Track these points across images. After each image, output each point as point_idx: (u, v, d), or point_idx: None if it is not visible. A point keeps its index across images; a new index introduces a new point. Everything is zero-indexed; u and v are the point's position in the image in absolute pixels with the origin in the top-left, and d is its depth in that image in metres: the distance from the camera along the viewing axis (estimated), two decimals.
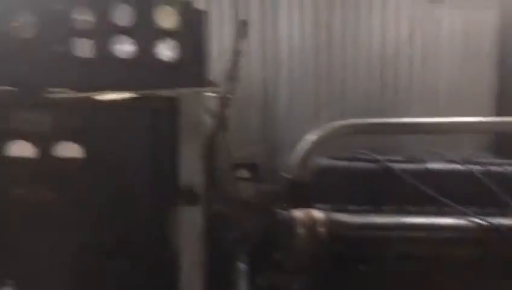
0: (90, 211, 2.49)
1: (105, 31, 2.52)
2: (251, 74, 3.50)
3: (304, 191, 2.61)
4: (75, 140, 2.48)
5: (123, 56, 2.56)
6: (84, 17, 2.50)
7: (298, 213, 2.42)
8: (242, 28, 2.90)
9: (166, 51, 2.59)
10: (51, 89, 2.43)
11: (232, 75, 2.89)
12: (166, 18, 2.57)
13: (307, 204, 2.54)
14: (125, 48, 2.56)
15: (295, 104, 3.59)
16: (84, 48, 2.55)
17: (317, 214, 2.39)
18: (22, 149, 2.42)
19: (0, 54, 2.41)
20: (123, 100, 2.49)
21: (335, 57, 3.58)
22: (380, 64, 3.62)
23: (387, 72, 3.64)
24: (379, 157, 2.62)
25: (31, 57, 2.46)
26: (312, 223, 2.35)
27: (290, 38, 3.56)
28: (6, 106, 2.43)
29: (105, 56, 2.54)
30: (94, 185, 2.51)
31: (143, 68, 2.58)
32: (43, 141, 2.44)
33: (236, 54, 2.90)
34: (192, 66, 2.64)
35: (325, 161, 2.71)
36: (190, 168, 2.55)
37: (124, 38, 2.54)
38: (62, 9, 2.43)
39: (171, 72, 2.60)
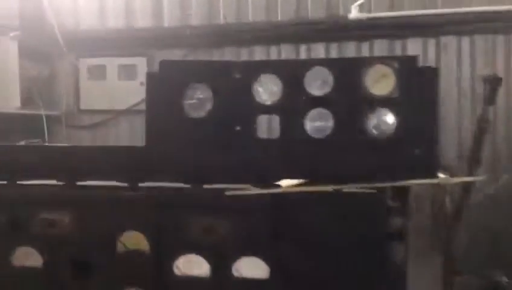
0: None
1: (296, 105, 1.88)
2: None
3: None
4: (260, 254, 1.80)
5: (319, 135, 1.87)
6: (269, 87, 1.91)
7: None
8: (492, 88, 1.98)
9: (380, 124, 1.82)
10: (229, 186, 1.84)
11: (476, 156, 1.95)
12: (380, 82, 1.82)
13: None
14: (322, 123, 1.87)
15: None
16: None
17: None
18: (195, 265, 1.83)
19: (165, 137, 1.93)
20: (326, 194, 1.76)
21: None
22: None
23: None
24: None
25: (207, 140, 1.92)
26: None
27: None
28: (181, 207, 1.89)
29: (296, 136, 1.88)
30: None
31: (348, 150, 1.83)
32: (218, 256, 1.82)
33: (483, 126, 1.96)
34: (417, 144, 1.80)
35: None
36: None
37: (322, 112, 1.86)
38: (241, 78, 1.87)
39: (386, 155, 1.80)
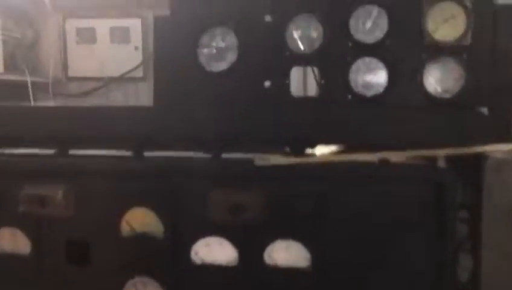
0: None
1: (340, 55, 1.51)
2: None
3: None
4: (298, 237, 1.45)
5: (368, 92, 1.50)
6: (307, 32, 1.53)
7: None
8: None
9: (444, 79, 1.46)
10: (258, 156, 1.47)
11: None
12: (446, 25, 1.45)
13: None
14: (372, 78, 1.50)
15: None
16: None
17: None
18: (218, 250, 1.47)
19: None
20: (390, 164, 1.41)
21: None
22: None
23: None
24: None
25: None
26: None
27: None
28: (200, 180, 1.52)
29: (339, 93, 1.51)
30: None
31: (403, 112, 1.47)
32: (247, 239, 1.46)
33: None
34: (489, 104, 1.45)
35: None
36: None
37: (372, 64, 1.49)
38: (272, 21, 1.48)
39: (452, 118, 1.45)
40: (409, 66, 1.47)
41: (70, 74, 4.74)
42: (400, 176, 1.44)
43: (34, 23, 4.49)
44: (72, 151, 1.67)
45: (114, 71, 4.67)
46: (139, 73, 4.61)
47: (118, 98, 4.72)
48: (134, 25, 4.52)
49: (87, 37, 4.60)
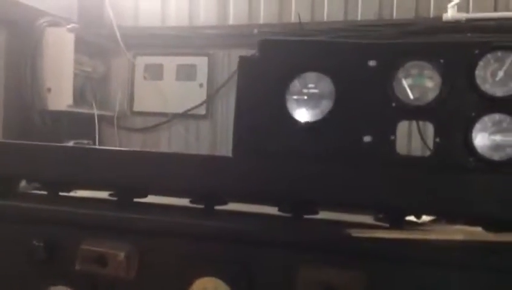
0: None
1: (462, 109, 1.23)
2: None
3: None
4: None
5: (496, 156, 1.20)
6: (420, 81, 1.27)
7: None
8: None
9: None
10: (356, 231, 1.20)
11: None
12: None
13: None
14: (504, 138, 1.21)
15: None
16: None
17: None
18: None
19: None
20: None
21: None
22: None
23: None
24: None
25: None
26: None
27: None
28: (281, 247, 1.26)
29: (457, 155, 1.22)
30: None
31: None
32: None
33: None
34: None
35: None
36: None
37: (503, 121, 1.20)
38: (378, 66, 1.23)
39: None
40: None
41: (136, 108, 4.72)
42: None
43: (105, 58, 4.53)
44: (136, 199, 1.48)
45: (178, 107, 4.60)
46: (202, 111, 4.51)
47: (179, 133, 4.63)
48: (201, 62, 4.45)
49: (155, 73, 4.58)
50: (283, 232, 1.26)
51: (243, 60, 1.39)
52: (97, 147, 1.47)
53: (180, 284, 1.23)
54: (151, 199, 1.52)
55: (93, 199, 1.51)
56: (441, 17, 3.53)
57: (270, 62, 1.35)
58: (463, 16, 3.45)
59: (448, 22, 3.50)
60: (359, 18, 3.86)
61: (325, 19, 3.94)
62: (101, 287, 1.28)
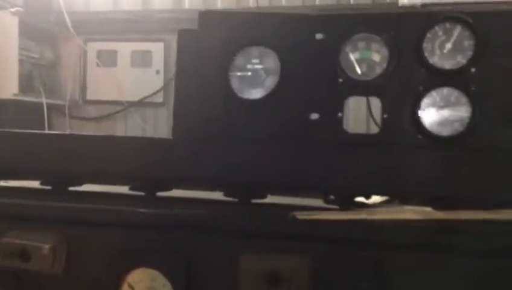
0: None
1: (409, 83, 1.17)
2: None
3: None
4: None
5: (445, 132, 1.15)
6: (367, 54, 1.20)
7: None
8: None
9: None
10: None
11: None
12: None
13: None
14: (452, 114, 1.16)
15: None
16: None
17: None
18: None
19: None
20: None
21: None
22: None
23: None
24: None
25: None
26: None
27: None
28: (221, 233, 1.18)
29: (406, 132, 1.17)
30: None
31: (495, 158, 1.12)
32: None
33: None
34: None
35: None
36: None
37: (451, 96, 1.15)
38: (324, 39, 1.15)
39: None
40: (502, 100, 1.12)
41: (89, 96, 4.51)
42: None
43: (54, 44, 4.30)
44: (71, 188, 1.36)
45: (134, 95, 4.43)
46: (159, 98, 4.35)
47: (136, 123, 4.46)
48: (157, 49, 4.29)
49: (108, 60, 4.39)
50: (225, 218, 1.18)
51: (182, 34, 1.28)
52: (24, 131, 1.33)
53: (112, 277, 1.13)
54: (88, 187, 1.40)
55: (23, 189, 1.38)
56: (397, 2, 3.52)
57: (212, 36, 1.25)
58: (418, 1, 3.45)
59: (404, 7, 3.48)
60: (317, 3, 3.81)
61: (283, 3, 3.86)
62: (25, 284, 1.16)
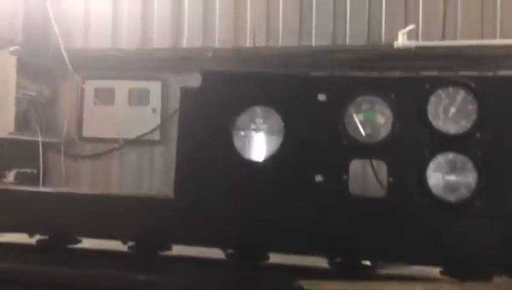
0: None
1: (414, 147, 1.16)
2: None
3: None
4: None
5: (451, 197, 1.13)
6: (372, 116, 1.19)
7: None
8: None
9: None
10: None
11: None
12: None
13: None
14: (457, 178, 1.14)
15: None
16: None
17: None
18: None
19: None
20: None
21: None
22: None
23: None
24: None
25: None
26: None
27: None
28: None
29: (412, 196, 1.15)
30: None
31: (497, 225, 1.10)
32: None
33: None
34: None
35: None
36: None
37: (457, 161, 1.14)
38: (328, 101, 1.15)
39: None
40: (508, 165, 1.11)
41: (85, 134, 4.47)
42: None
43: (52, 81, 4.28)
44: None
45: (130, 133, 4.40)
46: (156, 136, 4.32)
47: (132, 161, 4.41)
48: (154, 87, 4.29)
49: (105, 98, 4.36)
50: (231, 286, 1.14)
51: (184, 92, 1.27)
52: (19, 187, 1.30)
53: None
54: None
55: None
56: (392, 44, 3.56)
57: (215, 95, 1.25)
58: (413, 43, 3.49)
59: (399, 49, 3.53)
60: (313, 44, 3.84)
61: (280, 43, 3.90)
62: None
